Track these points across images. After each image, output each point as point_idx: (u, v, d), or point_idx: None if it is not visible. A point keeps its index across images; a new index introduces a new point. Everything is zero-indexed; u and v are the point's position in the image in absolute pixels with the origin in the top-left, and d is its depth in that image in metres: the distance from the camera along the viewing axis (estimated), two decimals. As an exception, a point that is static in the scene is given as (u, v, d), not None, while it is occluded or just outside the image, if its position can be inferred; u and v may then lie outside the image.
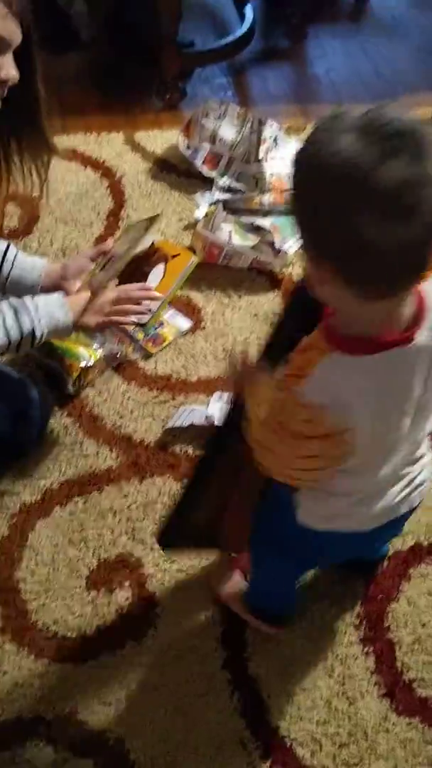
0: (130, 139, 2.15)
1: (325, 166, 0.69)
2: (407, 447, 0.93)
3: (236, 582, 1.27)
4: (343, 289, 0.74)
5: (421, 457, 0.98)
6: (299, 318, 0.94)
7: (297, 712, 1.18)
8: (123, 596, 1.29)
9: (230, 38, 2.35)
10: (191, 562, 1.32)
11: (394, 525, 1.03)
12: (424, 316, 0.80)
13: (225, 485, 1.13)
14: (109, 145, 2.10)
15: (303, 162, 0.72)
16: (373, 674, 1.21)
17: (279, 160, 1.98)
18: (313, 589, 1.29)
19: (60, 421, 1.52)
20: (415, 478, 0.99)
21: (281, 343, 0.95)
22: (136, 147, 2.12)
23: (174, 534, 1.16)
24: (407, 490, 0.98)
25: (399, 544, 1.35)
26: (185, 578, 1.31)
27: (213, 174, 2.00)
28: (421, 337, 0.80)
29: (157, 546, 1.33)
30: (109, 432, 1.50)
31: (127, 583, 1.30)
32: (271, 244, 1.78)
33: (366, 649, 1.24)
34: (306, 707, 1.18)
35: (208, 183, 1.99)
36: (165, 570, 1.31)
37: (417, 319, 0.80)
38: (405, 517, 1.04)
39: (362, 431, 0.83)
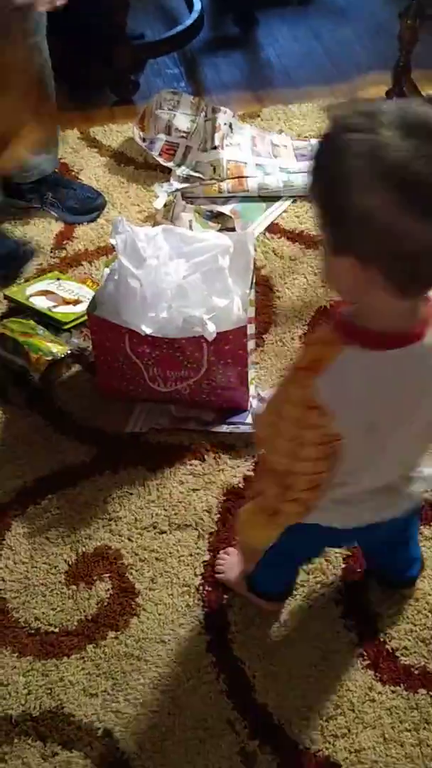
0: (86, 135, 2.14)
1: (378, 168, 0.67)
2: (400, 457, 0.93)
3: (237, 564, 1.26)
4: (376, 284, 0.73)
5: (417, 475, 0.98)
6: None
7: (283, 690, 1.18)
8: (103, 588, 1.29)
9: (180, 28, 2.35)
10: (169, 551, 1.33)
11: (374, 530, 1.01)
12: None
13: None
14: (64, 141, 2.08)
15: (347, 165, 0.69)
16: (356, 647, 1.22)
17: (235, 147, 1.99)
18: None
19: (31, 420, 1.51)
20: (403, 488, 0.98)
21: None
22: (92, 142, 2.12)
23: None
24: (393, 498, 0.97)
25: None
26: (164, 566, 1.31)
27: (170, 164, 1.99)
28: (429, 336, 0.80)
29: (135, 536, 1.34)
30: (80, 427, 1.50)
31: (106, 575, 1.30)
32: (232, 230, 1.79)
33: (348, 623, 1.24)
34: (292, 684, 1.19)
35: (166, 173, 1.99)
36: (144, 560, 1.31)
37: (427, 318, 0.80)
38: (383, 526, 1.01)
39: (355, 431, 0.83)
